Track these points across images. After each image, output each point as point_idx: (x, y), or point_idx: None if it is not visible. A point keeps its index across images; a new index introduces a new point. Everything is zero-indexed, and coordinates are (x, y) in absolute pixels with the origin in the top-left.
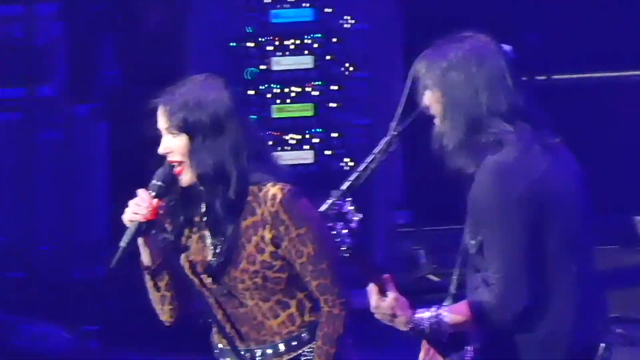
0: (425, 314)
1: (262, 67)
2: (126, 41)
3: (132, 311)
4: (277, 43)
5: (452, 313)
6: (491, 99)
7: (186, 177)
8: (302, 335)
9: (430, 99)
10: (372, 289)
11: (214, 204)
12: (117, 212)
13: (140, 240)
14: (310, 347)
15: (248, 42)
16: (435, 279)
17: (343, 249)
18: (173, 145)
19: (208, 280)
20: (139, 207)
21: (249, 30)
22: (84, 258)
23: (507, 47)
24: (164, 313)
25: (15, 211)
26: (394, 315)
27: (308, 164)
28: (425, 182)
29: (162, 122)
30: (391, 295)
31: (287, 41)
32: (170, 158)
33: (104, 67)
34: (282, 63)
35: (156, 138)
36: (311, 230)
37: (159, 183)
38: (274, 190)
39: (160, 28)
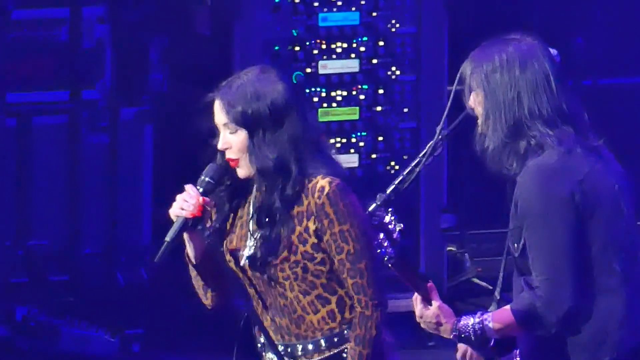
0: (469, 321)
1: (308, 70)
2: (171, 44)
3: (174, 315)
4: (323, 46)
5: (496, 319)
6: (533, 103)
7: (244, 171)
8: (344, 332)
9: (473, 101)
10: (416, 298)
11: (272, 196)
12: (160, 215)
13: (185, 235)
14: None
15: (294, 45)
16: (481, 283)
17: (386, 259)
18: (232, 140)
19: (248, 269)
20: (186, 202)
21: (295, 33)
22: (127, 261)
23: (553, 51)
24: (207, 299)
25: (59, 214)
26: (438, 324)
27: (353, 168)
28: (470, 185)
29: (219, 117)
30: (435, 304)
31: (334, 44)
32: (229, 154)
33: (149, 71)
34: (328, 67)
35: (202, 139)
36: (354, 228)
37: (208, 179)
38: (322, 182)
39: (205, 31)
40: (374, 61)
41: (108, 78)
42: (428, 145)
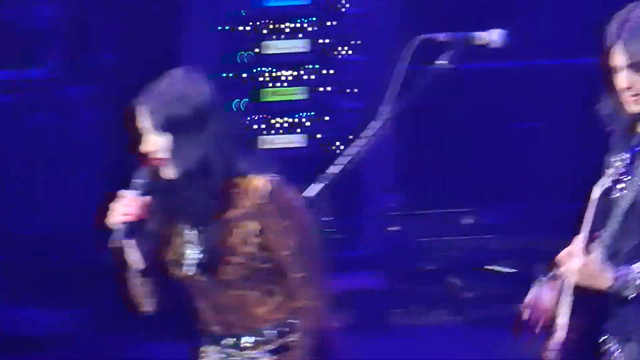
0: (631, 269)
1: (256, 50)
2: (121, 25)
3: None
4: (271, 26)
5: None
6: None
7: (169, 172)
8: (292, 321)
9: None
10: (577, 249)
11: (198, 197)
12: (110, 197)
13: (128, 243)
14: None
15: (242, 25)
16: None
17: None
18: (157, 144)
19: (192, 273)
20: (127, 206)
21: (243, 13)
22: (74, 243)
23: (503, 32)
24: (147, 305)
25: (4, 194)
26: (602, 271)
27: (300, 147)
28: (416, 166)
29: (144, 122)
30: (598, 253)
31: (282, 25)
32: (153, 156)
33: (98, 50)
34: (276, 47)
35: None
36: (295, 223)
37: (142, 181)
38: (259, 182)
39: (155, 11)
40: (323, 41)
41: (57, 58)
42: (375, 126)
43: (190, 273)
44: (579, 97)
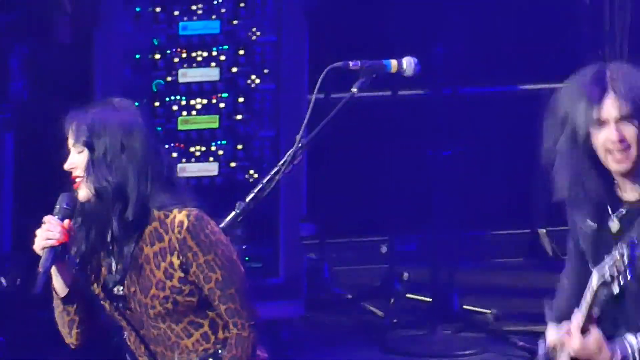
0: (627, 345)
1: (169, 78)
2: (33, 53)
3: (36, 323)
4: (184, 55)
5: None
6: None
7: (83, 193)
8: (218, 351)
9: None
10: (576, 329)
11: (111, 223)
12: (21, 224)
13: (53, 269)
14: None
15: (155, 54)
16: (342, 292)
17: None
18: (77, 160)
19: (116, 306)
20: (51, 232)
21: (155, 42)
22: None
23: (412, 59)
24: (72, 337)
25: None
26: (599, 351)
27: (213, 176)
28: (329, 194)
29: (70, 139)
30: (596, 331)
31: (194, 53)
32: (74, 174)
33: (9, 79)
34: (188, 75)
35: (63, 148)
36: (218, 256)
37: (64, 206)
38: (180, 216)
39: (66, 39)
40: (234, 70)
41: None
42: (287, 154)
43: (114, 306)
44: (496, 125)
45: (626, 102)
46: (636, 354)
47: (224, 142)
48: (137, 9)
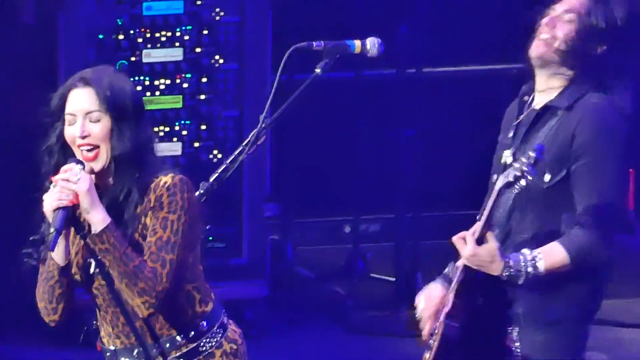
0: (520, 258)
1: (133, 59)
2: None
3: (18, 305)
4: (147, 35)
5: (546, 258)
6: None
7: (99, 163)
8: (199, 325)
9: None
10: (470, 236)
11: (124, 190)
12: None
13: (61, 233)
14: (208, 336)
15: (118, 34)
16: (306, 272)
17: None
18: (93, 128)
19: (97, 278)
20: (64, 192)
21: (119, 22)
22: None
23: (377, 40)
24: (56, 312)
25: None
26: (492, 262)
27: (176, 156)
28: (293, 174)
29: (83, 105)
30: (494, 243)
31: (158, 33)
32: (87, 141)
33: None
34: (152, 55)
35: (27, 129)
36: (180, 221)
37: (80, 166)
38: (165, 178)
39: (30, 21)
40: (198, 50)
41: None
42: (251, 134)
43: (95, 275)
44: (459, 105)
45: None
46: (529, 267)
47: (187, 122)
48: None
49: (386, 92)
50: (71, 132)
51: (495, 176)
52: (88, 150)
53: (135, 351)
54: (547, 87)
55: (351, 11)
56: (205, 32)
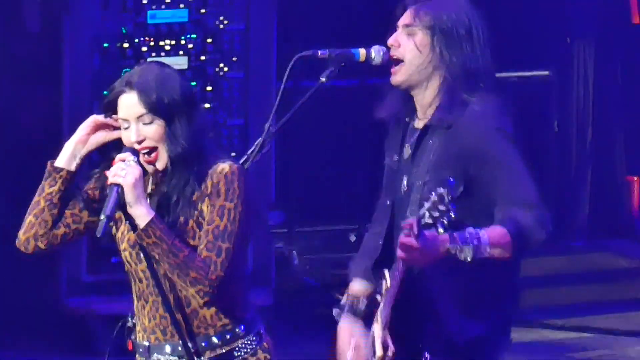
0: (465, 232)
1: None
2: (2, 40)
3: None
4: (152, 43)
5: (491, 237)
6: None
7: (161, 163)
8: (237, 329)
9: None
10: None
11: (181, 185)
12: None
13: (73, 143)
14: (244, 342)
15: (123, 42)
16: (311, 281)
17: None
18: (148, 131)
19: (143, 261)
20: (124, 169)
21: (124, 30)
22: None
23: (382, 49)
24: (35, 225)
25: None
26: (436, 240)
27: None
28: (297, 183)
29: (133, 110)
30: (430, 232)
31: (162, 42)
32: (145, 144)
33: None
34: None
35: (31, 134)
36: (237, 210)
37: (134, 157)
38: (223, 165)
39: (35, 27)
40: (202, 58)
41: None
42: (256, 143)
43: (142, 259)
44: None
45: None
46: (474, 239)
47: None
48: None
49: None
50: (127, 137)
51: (388, 201)
52: (147, 153)
53: (169, 348)
54: (423, 104)
55: (356, 19)
56: (210, 40)
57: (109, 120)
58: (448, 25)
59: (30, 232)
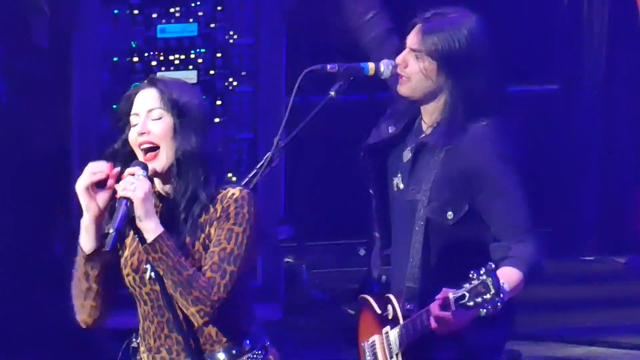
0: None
1: (146, 82)
2: (11, 56)
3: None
4: (161, 58)
5: (509, 283)
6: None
7: (160, 163)
8: (242, 343)
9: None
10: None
11: (187, 193)
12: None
13: (88, 220)
14: (249, 356)
15: (133, 56)
16: (320, 295)
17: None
18: (154, 126)
19: (149, 283)
20: (134, 183)
21: (133, 44)
22: None
23: (391, 63)
24: (84, 310)
25: None
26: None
27: None
28: (307, 197)
29: (146, 103)
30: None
31: (172, 56)
32: (146, 139)
33: None
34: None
35: (40, 150)
36: (244, 234)
37: (144, 171)
38: (234, 190)
39: (44, 42)
40: (212, 72)
41: None
42: (265, 157)
43: (146, 281)
44: None
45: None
46: (502, 302)
47: None
48: (115, 12)
49: None
50: (134, 134)
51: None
52: (148, 150)
53: None
54: (429, 113)
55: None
56: (219, 54)
57: (103, 168)
58: (453, 52)
59: (95, 314)
